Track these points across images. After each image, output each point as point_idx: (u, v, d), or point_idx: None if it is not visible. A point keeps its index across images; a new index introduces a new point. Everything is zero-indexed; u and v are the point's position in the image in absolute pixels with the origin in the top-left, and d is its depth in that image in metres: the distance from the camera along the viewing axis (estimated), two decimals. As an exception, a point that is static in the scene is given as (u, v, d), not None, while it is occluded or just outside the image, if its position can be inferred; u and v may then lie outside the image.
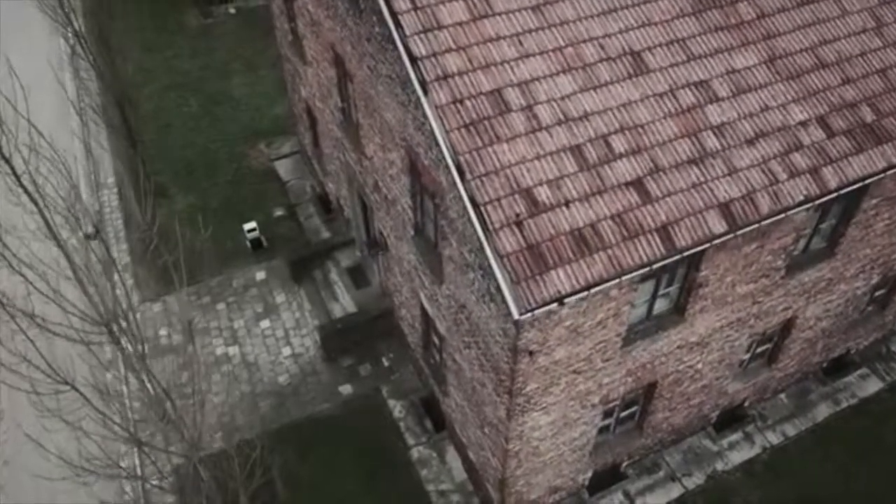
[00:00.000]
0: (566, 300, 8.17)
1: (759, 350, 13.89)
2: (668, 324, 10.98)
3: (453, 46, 8.68)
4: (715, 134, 9.22)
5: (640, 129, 9.02)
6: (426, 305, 13.12)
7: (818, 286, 12.43)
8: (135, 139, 19.27)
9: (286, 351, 16.87)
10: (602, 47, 9.19)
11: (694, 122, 9.22)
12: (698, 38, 9.62)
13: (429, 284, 12.49)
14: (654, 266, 8.54)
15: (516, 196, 8.36)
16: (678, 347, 11.61)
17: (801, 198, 9.16)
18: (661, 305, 10.96)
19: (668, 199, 8.78)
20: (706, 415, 14.50)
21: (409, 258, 13.06)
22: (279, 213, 19.87)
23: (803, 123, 9.56)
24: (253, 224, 18.54)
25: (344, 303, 17.00)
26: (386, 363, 16.46)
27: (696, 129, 9.20)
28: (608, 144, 8.86)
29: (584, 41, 9.15)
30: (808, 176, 9.29)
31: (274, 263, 18.41)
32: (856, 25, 10.35)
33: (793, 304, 12.47)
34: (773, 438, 14.94)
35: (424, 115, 8.89)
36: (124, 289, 9.63)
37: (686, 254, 8.67)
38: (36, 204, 7.95)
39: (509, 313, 8.10)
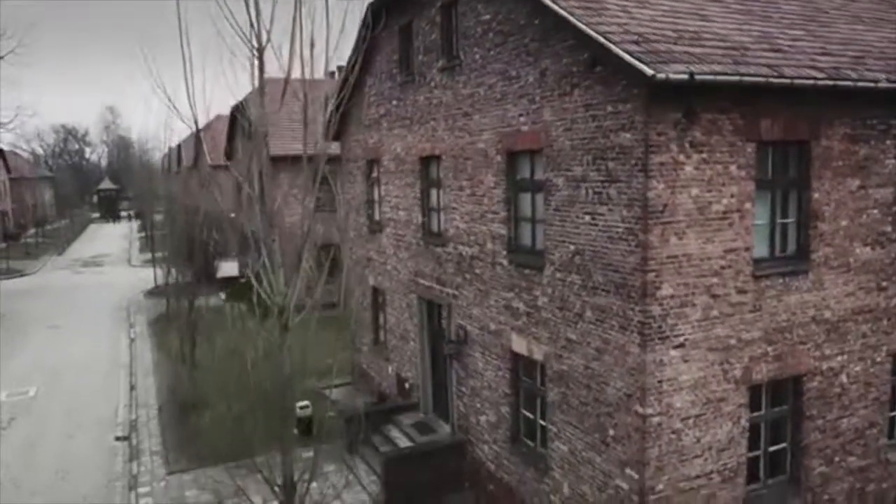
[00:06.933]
0: (697, 77, 8.43)
1: (905, 408, 12.01)
2: (795, 267, 10.27)
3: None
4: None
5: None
6: (519, 347, 11.98)
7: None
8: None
9: (336, 506, 13.99)
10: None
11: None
12: None
13: (525, 305, 11.75)
14: (772, 81, 8.97)
15: (629, 34, 9.35)
16: (814, 320, 10.46)
17: (884, 77, 9.99)
18: (783, 249, 10.46)
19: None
20: (872, 508, 11.58)
21: (501, 298, 12.46)
22: (330, 414, 18.49)
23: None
24: (306, 402, 17.21)
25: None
26: (459, 510, 13.57)
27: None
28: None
29: None
30: (887, 67, 10.32)
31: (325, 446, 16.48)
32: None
33: (921, 317, 11.54)
34: (972, 554, 11.54)
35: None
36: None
37: (797, 82, 9.17)
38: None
39: (640, 72, 8.30)
